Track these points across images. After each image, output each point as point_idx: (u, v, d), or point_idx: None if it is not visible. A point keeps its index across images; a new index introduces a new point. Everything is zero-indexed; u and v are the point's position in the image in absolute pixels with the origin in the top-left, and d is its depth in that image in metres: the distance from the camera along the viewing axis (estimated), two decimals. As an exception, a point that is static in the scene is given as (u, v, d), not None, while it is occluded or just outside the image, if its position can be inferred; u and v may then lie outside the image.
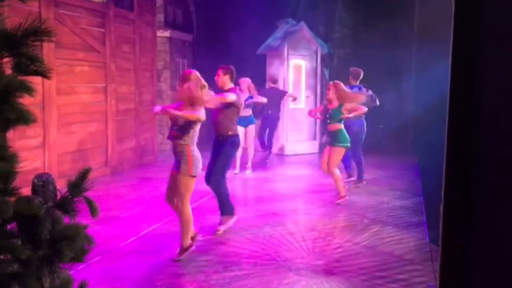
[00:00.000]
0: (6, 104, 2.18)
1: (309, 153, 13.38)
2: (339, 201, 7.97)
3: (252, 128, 10.50)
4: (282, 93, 12.03)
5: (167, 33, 13.67)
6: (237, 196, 8.56)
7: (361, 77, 9.46)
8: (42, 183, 2.47)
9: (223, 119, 6.47)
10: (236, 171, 10.33)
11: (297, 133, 13.53)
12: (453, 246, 2.58)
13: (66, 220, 2.49)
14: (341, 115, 7.86)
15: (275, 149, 12.55)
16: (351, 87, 9.06)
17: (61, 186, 2.54)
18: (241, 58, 12.94)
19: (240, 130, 9.87)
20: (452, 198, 2.56)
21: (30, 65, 2.26)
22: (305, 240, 6.17)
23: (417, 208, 7.72)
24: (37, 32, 2.22)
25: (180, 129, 5.32)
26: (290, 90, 13.21)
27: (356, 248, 5.92)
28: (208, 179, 6.54)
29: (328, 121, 8.02)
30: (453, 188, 2.55)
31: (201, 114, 5.34)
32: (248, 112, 10.13)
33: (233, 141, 6.61)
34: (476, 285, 2.54)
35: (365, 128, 9.34)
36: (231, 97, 6.34)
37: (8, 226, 2.32)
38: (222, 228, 6.45)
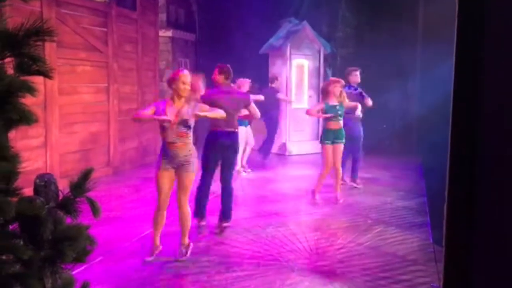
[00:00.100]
0: (8, 104, 2.17)
1: (311, 153, 13.35)
2: (342, 199, 8.03)
3: (248, 129, 10.46)
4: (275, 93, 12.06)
5: (169, 33, 13.67)
6: (240, 196, 8.54)
7: (351, 76, 9.35)
8: (44, 183, 2.46)
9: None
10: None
11: (299, 133, 13.50)
12: (457, 247, 2.57)
13: (68, 220, 2.48)
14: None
15: (275, 149, 12.53)
16: (349, 87, 9.04)
17: (63, 186, 2.53)
18: (243, 57, 12.93)
19: (242, 129, 9.90)
20: (456, 198, 2.55)
21: (32, 65, 2.25)
22: (308, 241, 6.15)
23: (421, 208, 7.69)
24: (39, 32, 2.21)
25: (188, 128, 5.33)
26: (292, 89, 13.21)
27: (359, 248, 5.90)
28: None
29: (338, 118, 8.02)
30: (457, 188, 2.55)
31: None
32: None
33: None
34: (479, 285, 2.53)
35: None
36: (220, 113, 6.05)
37: (10, 227, 2.31)
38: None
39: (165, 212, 5.48)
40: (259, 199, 8.37)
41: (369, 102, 9.14)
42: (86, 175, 2.51)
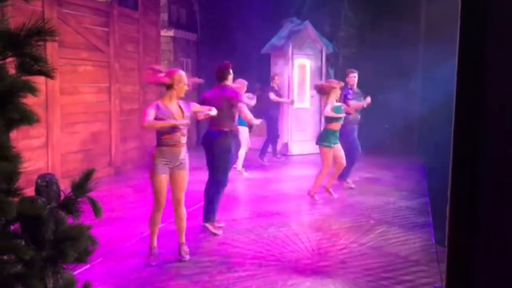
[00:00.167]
0: (10, 104, 2.17)
1: (314, 153, 13.33)
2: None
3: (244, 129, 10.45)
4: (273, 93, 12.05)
5: (171, 33, 13.66)
6: (241, 197, 8.54)
7: (348, 78, 9.33)
8: (46, 183, 2.45)
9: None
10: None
11: (301, 133, 13.49)
12: (459, 247, 2.56)
13: (69, 220, 2.48)
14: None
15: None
16: (345, 89, 9.05)
17: (65, 186, 2.53)
18: (245, 57, 12.93)
19: (244, 129, 9.91)
20: (459, 198, 2.54)
21: (34, 65, 2.25)
22: (310, 241, 6.15)
23: (423, 208, 7.68)
24: (40, 32, 2.21)
25: (186, 129, 5.37)
26: (295, 89, 13.21)
27: (362, 249, 5.90)
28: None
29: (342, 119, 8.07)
30: (459, 188, 2.53)
31: None
32: None
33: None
34: (482, 286, 2.52)
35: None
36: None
37: (12, 227, 2.31)
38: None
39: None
40: (260, 199, 8.36)
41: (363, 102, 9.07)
42: (87, 175, 2.51)
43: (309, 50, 13.59)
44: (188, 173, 5.52)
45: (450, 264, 2.61)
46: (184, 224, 5.58)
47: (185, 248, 5.55)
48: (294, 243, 6.07)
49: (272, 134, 12.04)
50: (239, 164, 10.36)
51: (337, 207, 7.79)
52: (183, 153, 5.40)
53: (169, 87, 5.31)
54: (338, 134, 7.96)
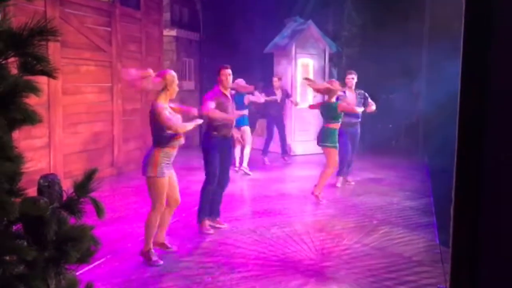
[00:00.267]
0: (12, 104, 2.16)
1: (316, 153, 13.31)
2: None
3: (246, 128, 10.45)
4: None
5: (173, 32, 13.66)
6: (244, 197, 8.53)
7: (346, 80, 9.31)
8: (48, 183, 2.45)
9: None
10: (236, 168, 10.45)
11: (304, 133, 13.46)
12: (464, 248, 2.54)
13: (72, 221, 2.47)
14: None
15: (279, 149, 12.47)
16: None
17: (67, 186, 2.52)
18: (248, 57, 12.92)
19: (246, 129, 9.93)
20: (463, 199, 2.52)
21: (36, 64, 2.24)
22: (313, 241, 6.13)
23: (427, 209, 7.65)
24: (42, 32, 2.20)
25: None
26: (297, 89, 13.18)
27: (365, 249, 5.87)
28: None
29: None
30: (463, 189, 2.52)
31: None
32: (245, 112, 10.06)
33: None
34: (487, 287, 2.50)
35: None
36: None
37: (14, 227, 2.30)
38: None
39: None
40: (263, 199, 8.34)
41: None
42: (90, 175, 2.50)
43: (312, 50, 13.57)
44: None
45: (454, 265, 2.60)
46: (169, 222, 5.79)
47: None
48: (297, 243, 6.05)
49: (270, 134, 12.03)
50: (245, 162, 10.37)
51: (341, 207, 7.77)
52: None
53: (163, 88, 5.30)
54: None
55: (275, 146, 12.24)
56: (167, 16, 13.42)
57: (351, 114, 8.58)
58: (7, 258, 2.20)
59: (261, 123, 12.53)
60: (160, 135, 5.27)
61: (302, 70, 13.47)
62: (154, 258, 5.34)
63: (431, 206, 7.79)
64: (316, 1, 13.98)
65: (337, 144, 7.95)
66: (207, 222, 6.57)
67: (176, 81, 5.36)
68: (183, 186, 8.33)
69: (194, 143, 13.43)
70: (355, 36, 14.11)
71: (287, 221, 7.01)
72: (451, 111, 3.09)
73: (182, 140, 5.37)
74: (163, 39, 12.32)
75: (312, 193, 8.07)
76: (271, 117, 11.94)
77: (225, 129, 6.48)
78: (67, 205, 2.45)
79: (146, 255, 5.36)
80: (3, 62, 2.19)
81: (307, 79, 8.70)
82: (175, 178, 5.57)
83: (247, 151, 10.37)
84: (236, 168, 10.35)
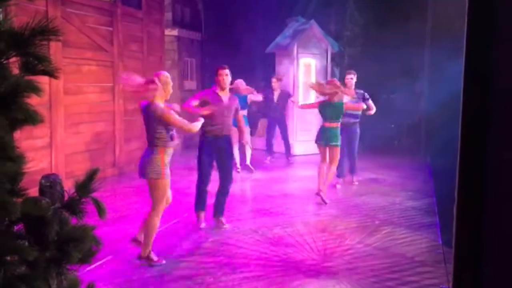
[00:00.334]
0: (14, 104, 2.16)
1: (319, 154, 13.28)
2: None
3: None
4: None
5: (175, 32, 13.64)
6: (246, 196, 8.52)
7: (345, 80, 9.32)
8: (50, 184, 2.44)
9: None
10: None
11: (306, 133, 13.42)
12: (467, 248, 2.53)
13: (73, 221, 2.46)
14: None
15: (281, 149, 12.43)
16: None
17: (69, 186, 2.51)
18: (250, 56, 12.92)
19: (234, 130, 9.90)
20: (466, 199, 2.52)
21: (38, 64, 2.24)
22: (315, 241, 6.12)
23: (430, 209, 7.64)
24: (44, 31, 2.19)
25: None
26: (300, 89, 13.16)
27: (367, 249, 5.86)
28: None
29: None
30: (466, 188, 2.51)
31: None
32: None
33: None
34: (490, 286, 2.49)
35: None
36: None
37: (16, 228, 2.30)
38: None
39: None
40: (265, 199, 8.33)
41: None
42: (91, 175, 2.50)
43: (314, 50, 13.54)
44: None
45: (457, 264, 2.59)
46: None
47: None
48: (299, 243, 6.05)
49: (268, 134, 12.03)
50: (247, 159, 10.43)
51: (343, 208, 7.76)
52: None
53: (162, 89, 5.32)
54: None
55: (279, 146, 12.22)
56: (168, 15, 13.41)
57: (349, 114, 8.58)
58: (9, 258, 2.19)
59: (263, 123, 12.53)
60: (163, 135, 5.26)
61: (304, 70, 13.45)
62: (155, 258, 5.33)
63: (434, 206, 7.77)
64: (318, 0, 13.96)
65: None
66: (201, 215, 6.69)
67: (171, 82, 5.37)
68: (183, 186, 8.38)
69: (194, 144, 13.41)
70: (357, 36, 14.08)
71: (289, 221, 7.00)
72: (453, 111, 3.08)
73: (179, 140, 5.38)
74: (164, 39, 12.31)
75: (318, 193, 8.04)
76: (271, 117, 11.94)
77: (212, 129, 6.43)
78: (68, 205, 2.44)
79: (147, 258, 5.31)
80: (5, 62, 2.18)
81: (313, 85, 8.58)
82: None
83: (248, 151, 10.40)
84: (238, 170, 10.35)
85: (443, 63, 9.97)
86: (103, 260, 5.19)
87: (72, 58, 8.68)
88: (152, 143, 5.30)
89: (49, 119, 7.97)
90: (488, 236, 2.45)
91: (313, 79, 13.42)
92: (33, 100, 2.21)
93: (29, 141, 7.31)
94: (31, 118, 2.20)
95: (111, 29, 9.86)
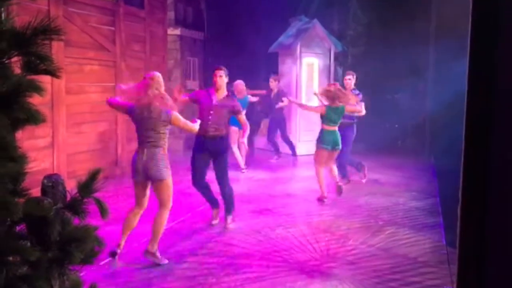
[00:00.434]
0: (16, 104, 2.15)
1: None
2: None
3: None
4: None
5: (177, 31, 13.63)
6: (249, 197, 8.51)
7: (344, 81, 9.32)
8: (52, 184, 2.44)
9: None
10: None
11: (309, 133, 13.40)
12: (471, 249, 2.52)
13: (75, 221, 2.46)
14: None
15: (283, 149, 12.41)
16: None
17: (71, 186, 2.51)
18: (253, 56, 12.91)
19: (234, 130, 9.86)
20: (470, 199, 2.50)
21: (40, 64, 2.23)
22: (318, 242, 6.10)
23: (433, 209, 7.61)
24: (46, 31, 2.19)
25: None
26: (303, 88, 13.15)
27: (370, 250, 5.85)
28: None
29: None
30: (470, 189, 2.49)
31: None
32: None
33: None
34: (494, 286, 2.48)
35: None
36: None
37: (18, 228, 2.29)
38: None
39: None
40: (268, 199, 8.32)
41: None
42: (93, 175, 2.49)
43: (317, 49, 13.51)
44: None
45: (461, 265, 2.57)
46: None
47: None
48: (302, 244, 6.03)
49: (269, 133, 12.03)
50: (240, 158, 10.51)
51: (346, 208, 7.74)
52: None
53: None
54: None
55: (282, 146, 12.21)
56: (171, 15, 13.39)
57: (345, 115, 8.57)
58: (11, 258, 2.19)
59: (266, 123, 12.52)
60: (166, 135, 5.36)
61: (307, 69, 13.43)
62: (160, 256, 5.35)
63: (438, 206, 7.75)
64: (321, 0, 13.95)
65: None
66: (213, 212, 6.83)
67: (162, 82, 5.42)
68: (186, 186, 8.36)
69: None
70: (361, 35, 14.05)
71: (292, 221, 6.99)
72: (457, 111, 3.06)
73: None
74: (167, 38, 12.29)
75: (321, 199, 8.05)
76: (271, 117, 11.94)
77: (202, 129, 6.24)
78: (71, 206, 2.44)
79: (154, 255, 5.35)
80: (7, 61, 2.18)
81: (321, 92, 8.51)
82: None
83: (242, 150, 10.46)
84: (243, 170, 10.35)
85: (448, 63, 9.94)
86: (105, 261, 5.19)
87: (74, 58, 8.66)
88: (156, 144, 5.29)
89: (51, 119, 7.95)
90: (492, 236, 2.44)
91: (316, 79, 13.44)
92: (35, 100, 2.20)
93: (31, 141, 7.30)
94: (33, 118, 2.20)
95: (113, 28, 9.84)
